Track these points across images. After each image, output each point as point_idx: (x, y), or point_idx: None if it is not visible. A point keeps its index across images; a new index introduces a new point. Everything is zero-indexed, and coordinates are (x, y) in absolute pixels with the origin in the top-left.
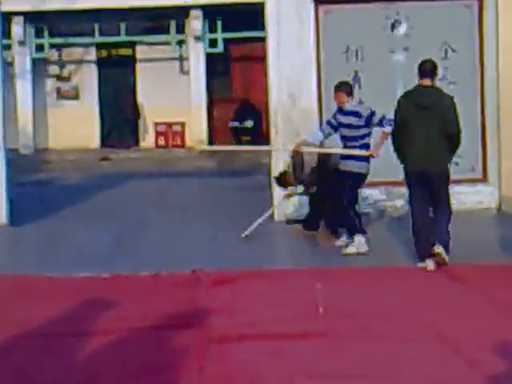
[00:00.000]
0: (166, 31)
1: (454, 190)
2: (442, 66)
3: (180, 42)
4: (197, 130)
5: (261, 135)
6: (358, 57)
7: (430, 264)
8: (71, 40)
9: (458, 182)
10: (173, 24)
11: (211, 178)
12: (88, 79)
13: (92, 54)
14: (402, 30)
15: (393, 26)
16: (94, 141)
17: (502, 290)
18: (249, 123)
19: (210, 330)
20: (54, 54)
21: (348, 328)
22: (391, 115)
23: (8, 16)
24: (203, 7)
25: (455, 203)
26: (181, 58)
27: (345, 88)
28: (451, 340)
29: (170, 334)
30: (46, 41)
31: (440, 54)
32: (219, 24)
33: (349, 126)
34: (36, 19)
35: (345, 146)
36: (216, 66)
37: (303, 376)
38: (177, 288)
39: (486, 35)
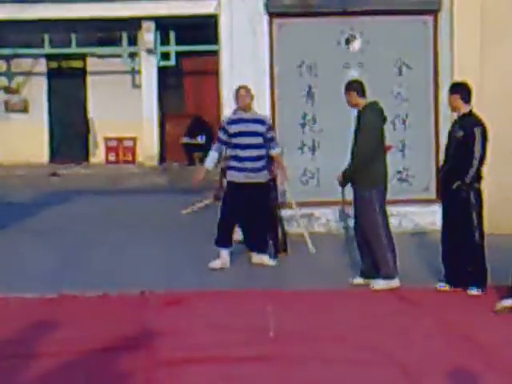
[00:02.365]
0: (118, 43)
1: (407, 210)
2: (396, 83)
3: (132, 55)
4: (148, 146)
5: None
6: (312, 72)
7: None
8: (20, 51)
9: (412, 202)
10: (125, 36)
11: (163, 195)
12: (37, 92)
13: (42, 65)
14: (356, 45)
15: (347, 41)
16: (43, 156)
17: (453, 314)
18: (201, 139)
19: (157, 353)
20: (1, 65)
21: (298, 351)
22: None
23: None
24: (156, 19)
25: (408, 224)
26: (132, 71)
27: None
28: (401, 364)
29: (118, 356)
30: None
31: (394, 71)
32: (172, 37)
33: (253, 133)
34: None
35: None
36: (168, 80)
37: None
38: (125, 309)
39: (440, 52)
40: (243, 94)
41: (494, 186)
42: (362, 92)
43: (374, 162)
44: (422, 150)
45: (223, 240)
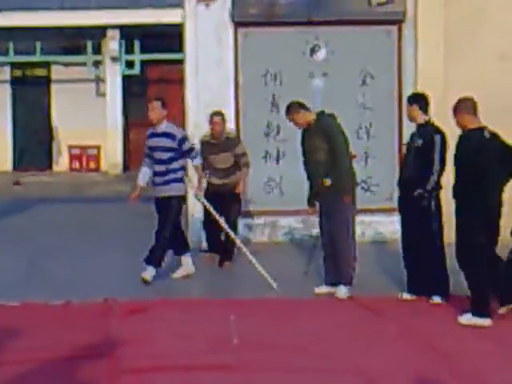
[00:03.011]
0: (83, 51)
1: (370, 219)
2: (360, 93)
3: (96, 63)
4: (112, 154)
5: None
6: (277, 81)
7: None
8: None
9: (375, 211)
10: (89, 44)
11: (126, 204)
12: (1, 99)
13: (6, 73)
14: (321, 55)
15: (312, 51)
16: (6, 163)
17: (417, 322)
18: None
19: (121, 361)
20: None
21: (260, 360)
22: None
23: None
24: (120, 27)
25: (372, 233)
26: (97, 80)
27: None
28: (366, 372)
29: (81, 364)
30: None
31: (358, 81)
32: (137, 45)
33: (161, 148)
34: None
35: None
36: (133, 88)
37: None
38: (88, 317)
39: (404, 62)
40: (217, 121)
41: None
42: (306, 108)
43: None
44: (386, 159)
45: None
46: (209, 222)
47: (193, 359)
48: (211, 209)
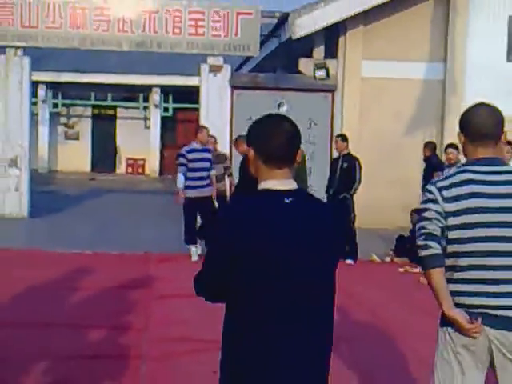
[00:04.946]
0: (137, 100)
1: None
2: (308, 133)
3: (145, 108)
4: (153, 164)
5: None
6: None
7: None
8: (76, 101)
9: None
10: (141, 96)
11: (160, 195)
12: (85, 127)
13: (89, 111)
14: (284, 108)
15: (279, 106)
16: (87, 167)
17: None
18: None
19: (155, 291)
20: (63, 110)
21: None
22: None
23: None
24: (161, 86)
25: None
26: (145, 118)
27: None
28: None
29: (129, 292)
30: (59, 101)
31: (307, 125)
32: (171, 98)
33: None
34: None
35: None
36: (167, 125)
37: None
38: (134, 263)
39: (335, 115)
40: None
41: (363, 197)
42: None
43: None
44: (321, 175)
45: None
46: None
47: None
48: None
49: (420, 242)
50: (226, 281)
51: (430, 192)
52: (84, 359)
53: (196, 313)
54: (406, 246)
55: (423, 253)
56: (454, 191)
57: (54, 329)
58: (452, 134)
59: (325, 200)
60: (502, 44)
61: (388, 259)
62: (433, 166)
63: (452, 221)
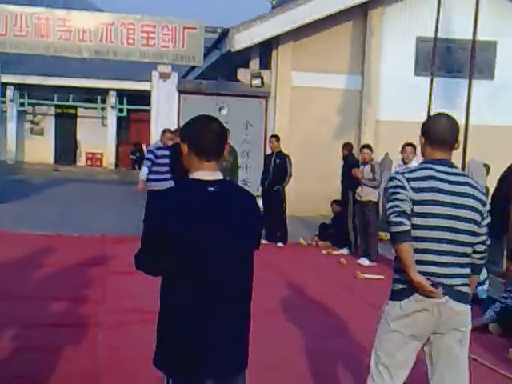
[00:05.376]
0: (95, 102)
1: None
2: (244, 133)
3: (102, 108)
4: (109, 157)
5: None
6: None
7: None
8: (41, 102)
9: None
10: (99, 98)
11: (116, 185)
12: (49, 125)
13: (52, 110)
14: (224, 111)
15: (220, 109)
16: (50, 159)
17: (270, 256)
18: (137, 155)
19: (110, 267)
20: (30, 109)
21: None
22: None
23: None
24: (117, 90)
25: None
26: (102, 118)
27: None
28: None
29: (87, 268)
30: (26, 100)
31: (243, 127)
32: (125, 100)
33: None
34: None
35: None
36: (122, 124)
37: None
38: (93, 244)
39: (268, 118)
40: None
41: (293, 189)
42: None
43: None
44: (255, 170)
45: None
46: None
47: None
48: None
49: (394, 219)
50: (158, 256)
51: (399, 180)
52: (47, 327)
53: (145, 287)
54: (328, 232)
55: (397, 229)
56: (419, 183)
57: (21, 301)
58: (367, 137)
59: (260, 191)
60: (410, 61)
61: (313, 243)
62: (349, 163)
63: (415, 209)
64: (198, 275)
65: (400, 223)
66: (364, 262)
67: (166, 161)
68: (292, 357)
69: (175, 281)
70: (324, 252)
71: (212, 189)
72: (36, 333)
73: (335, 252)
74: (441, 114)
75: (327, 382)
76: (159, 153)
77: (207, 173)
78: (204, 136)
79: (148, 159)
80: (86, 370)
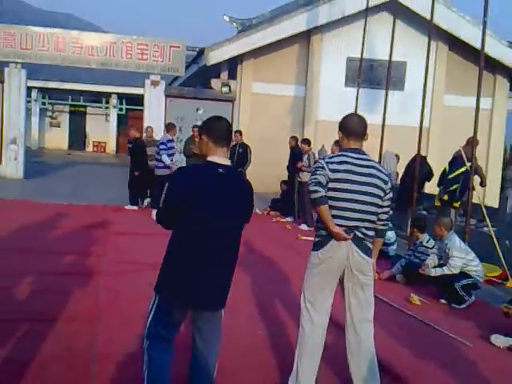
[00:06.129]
0: (101, 102)
1: None
2: None
3: (106, 108)
4: (111, 145)
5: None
6: (183, 121)
7: None
8: (58, 102)
9: None
10: (103, 99)
11: (117, 167)
12: (64, 120)
13: (67, 108)
14: (200, 111)
15: (197, 110)
16: (65, 146)
17: (270, 226)
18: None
19: (112, 229)
20: (49, 107)
21: None
22: None
23: None
24: (117, 93)
25: None
26: (106, 115)
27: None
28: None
29: (92, 229)
30: (46, 100)
31: None
32: (124, 101)
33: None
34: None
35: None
36: (121, 120)
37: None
38: (97, 211)
39: (234, 117)
40: (150, 130)
41: (252, 172)
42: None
43: None
44: None
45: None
46: None
47: (148, 231)
48: None
49: (312, 188)
50: (174, 215)
51: (320, 163)
52: (59, 275)
53: (139, 245)
54: (277, 204)
55: (315, 195)
56: (335, 166)
57: (38, 254)
58: (307, 134)
59: None
60: (342, 75)
61: (266, 212)
62: (295, 153)
63: (331, 184)
64: (203, 232)
65: (316, 191)
66: (304, 227)
67: (173, 151)
68: (241, 297)
69: (184, 234)
70: (274, 220)
71: (221, 170)
72: (50, 279)
73: (282, 220)
74: (353, 114)
75: (272, 319)
76: (169, 145)
77: (220, 158)
78: (218, 128)
79: (164, 149)
80: (90, 309)
